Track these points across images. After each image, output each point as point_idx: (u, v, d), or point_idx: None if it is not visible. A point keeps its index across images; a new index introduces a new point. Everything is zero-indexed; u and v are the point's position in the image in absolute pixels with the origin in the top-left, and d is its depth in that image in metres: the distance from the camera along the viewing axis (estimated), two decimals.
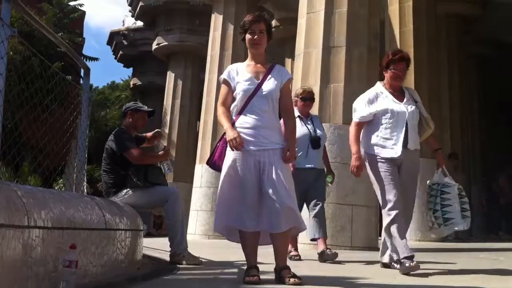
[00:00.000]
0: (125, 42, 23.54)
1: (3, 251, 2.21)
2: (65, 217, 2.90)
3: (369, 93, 4.38)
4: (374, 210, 7.16)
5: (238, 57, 11.40)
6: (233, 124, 3.43)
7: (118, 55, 24.62)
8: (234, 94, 3.51)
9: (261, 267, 3.46)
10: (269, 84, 3.47)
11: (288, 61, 15.51)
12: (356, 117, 4.31)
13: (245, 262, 3.49)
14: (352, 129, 4.32)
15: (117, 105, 23.61)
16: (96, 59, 18.18)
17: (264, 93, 3.44)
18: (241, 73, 3.53)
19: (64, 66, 13.00)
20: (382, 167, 4.16)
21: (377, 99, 4.28)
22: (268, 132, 3.40)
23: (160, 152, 5.10)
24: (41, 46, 13.47)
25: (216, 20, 13.13)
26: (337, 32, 7.44)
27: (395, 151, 4.16)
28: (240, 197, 3.34)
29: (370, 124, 4.29)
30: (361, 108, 4.29)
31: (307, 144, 5.48)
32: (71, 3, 19.12)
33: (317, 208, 5.45)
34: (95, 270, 3.24)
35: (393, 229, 4.06)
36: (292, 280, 3.21)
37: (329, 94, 7.27)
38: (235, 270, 4.35)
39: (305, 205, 5.53)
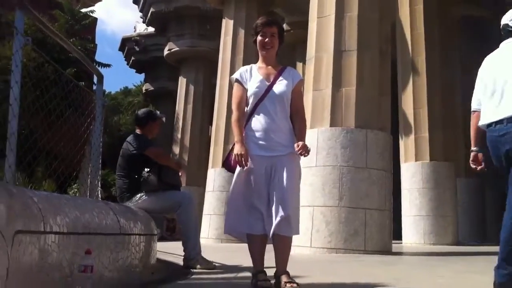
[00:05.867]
0: (137, 48, 23.73)
1: (20, 256, 2.23)
2: (80, 222, 2.92)
3: None
4: (387, 213, 7.13)
5: (249, 62, 11.35)
6: (244, 126, 3.44)
7: (130, 61, 24.81)
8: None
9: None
10: (280, 86, 3.46)
11: (299, 65, 15.54)
12: None
13: None
14: None
15: (129, 110, 23.75)
16: (108, 65, 18.31)
17: (275, 95, 3.44)
18: (253, 76, 3.53)
19: (77, 72, 13.10)
20: None
21: None
22: (280, 135, 3.39)
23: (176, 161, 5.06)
24: (54, 52, 13.60)
25: (227, 25, 13.18)
26: (347, 36, 7.44)
27: None
28: (250, 200, 3.34)
29: None
30: None
31: None
32: (83, 10, 19.32)
33: None
34: (110, 275, 3.26)
35: None
36: (288, 285, 3.19)
37: (341, 98, 7.27)
38: (249, 274, 4.34)
39: None
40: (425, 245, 10.81)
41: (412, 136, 11.58)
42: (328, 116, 7.23)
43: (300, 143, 3.30)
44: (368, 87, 7.33)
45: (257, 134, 3.39)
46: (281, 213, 3.23)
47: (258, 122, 3.41)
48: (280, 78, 3.50)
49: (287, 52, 15.30)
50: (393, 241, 7.45)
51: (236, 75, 3.58)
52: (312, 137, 6.95)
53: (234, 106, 3.49)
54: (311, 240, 6.73)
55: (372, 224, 6.88)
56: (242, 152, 3.27)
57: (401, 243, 11.04)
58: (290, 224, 3.28)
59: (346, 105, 7.25)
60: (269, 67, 3.56)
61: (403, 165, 11.60)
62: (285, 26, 15.72)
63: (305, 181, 6.63)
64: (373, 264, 5.50)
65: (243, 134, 3.40)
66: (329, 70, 7.40)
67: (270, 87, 3.45)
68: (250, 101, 3.47)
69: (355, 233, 6.76)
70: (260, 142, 3.37)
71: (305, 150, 3.29)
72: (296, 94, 3.55)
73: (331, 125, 7.18)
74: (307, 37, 8.04)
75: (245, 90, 3.49)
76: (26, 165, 4.13)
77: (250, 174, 3.35)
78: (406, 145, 11.65)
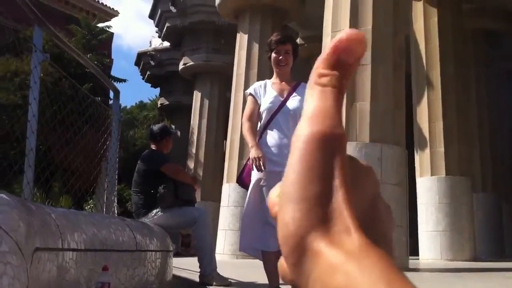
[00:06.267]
0: (152, 63, 23.90)
1: (39, 274, 2.25)
2: (97, 239, 2.94)
3: None
4: (404, 229, 7.06)
5: (263, 76, 11.45)
6: (257, 141, 3.44)
7: (146, 75, 25.01)
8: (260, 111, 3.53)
9: None
10: (294, 102, 3.48)
11: None
12: None
13: None
14: None
15: (145, 124, 23.88)
16: (124, 80, 18.51)
17: (288, 110, 3.45)
18: (267, 91, 3.55)
19: (93, 87, 13.24)
20: None
21: None
22: None
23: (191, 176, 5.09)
24: (70, 67, 13.78)
25: (241, 39, 13.25)
26: None
27: None
28: (263, 216, 3.33)
29: None
30: None
31: None
32: (100, 25, 19.56)
33: None
34: None
35: None
36: None
37: (355, 112, 7.25)
38: None
39: None
40: (442, 261, 10.67)
41: (427, 150, 11.49)
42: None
43: None
44: (383, 100, 7.31)
45: (271, 149, 3.39)
46: None
47: (271, 137, 3.42)
48: (294, 94, 3.51)
49: (301, 66, 15.28)
50: (410, 257, 7.37)
51: (250, 90, 3.61)
52: None
53: (245, 118, 3.50)
54: None
55: None
56: (260, 155, 3.26)
57: (418, 259, 10.92)
58: None
59: (361, 119, 7.23)
60: (283, 82, 3.57)
61: (419, 179, 11.50)
62: (299, 40, 15.77)
63: None
64: None
65: (257, 141, 3.40)
66: None
67: (283, 103, 3.47)
68: (263, 116, 3.48)
69: None
70: (273, 157, 3.37)
71: None
72: None
73: None
74: (321, 51, 8.03)
75: (258, 104, 3.51)
76: (44, 181, 4.17)
77: (263, 190, 3.35)
78: (422, 159, 11.56)
